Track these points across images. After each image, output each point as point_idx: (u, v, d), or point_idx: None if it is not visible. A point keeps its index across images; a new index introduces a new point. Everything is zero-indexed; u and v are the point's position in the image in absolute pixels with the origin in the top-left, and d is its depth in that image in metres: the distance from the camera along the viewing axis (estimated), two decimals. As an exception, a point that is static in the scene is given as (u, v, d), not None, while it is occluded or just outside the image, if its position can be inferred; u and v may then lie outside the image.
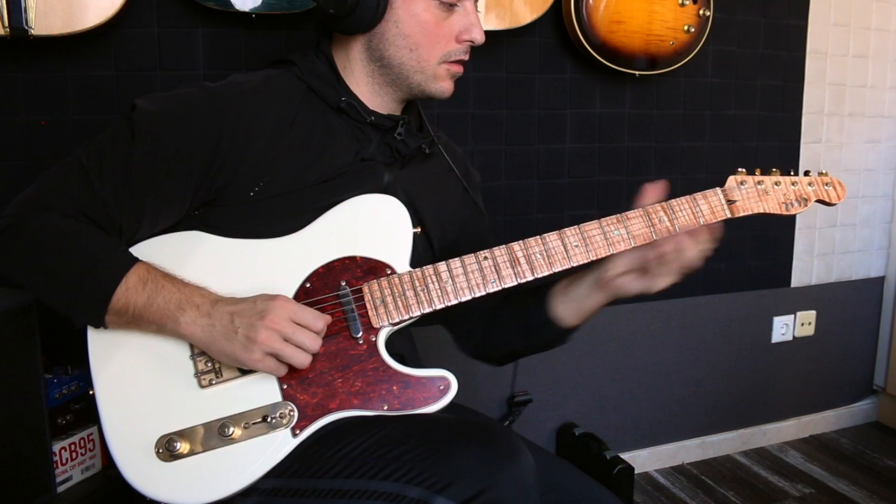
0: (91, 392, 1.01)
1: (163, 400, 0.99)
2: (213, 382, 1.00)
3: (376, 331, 1.03)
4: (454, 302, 1.05)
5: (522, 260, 1.07)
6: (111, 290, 0.96)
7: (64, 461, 1.35)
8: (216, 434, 0.97)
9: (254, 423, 0.98)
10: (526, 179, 2.07)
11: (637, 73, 1.99)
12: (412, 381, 1.01)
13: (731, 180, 1.14)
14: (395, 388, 1.01)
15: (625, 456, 2.16)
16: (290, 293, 1.03)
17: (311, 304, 1.02)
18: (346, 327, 1.03)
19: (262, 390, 1.00)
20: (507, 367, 1.96)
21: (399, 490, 0.89)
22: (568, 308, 1.18)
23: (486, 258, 1.06)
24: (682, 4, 1.95)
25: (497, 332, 1.26)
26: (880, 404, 2.76)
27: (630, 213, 1.10)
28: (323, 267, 1.05)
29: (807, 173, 1.19)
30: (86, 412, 1.41)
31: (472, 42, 1.12)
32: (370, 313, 1.03)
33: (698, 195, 1.13)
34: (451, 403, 1.02)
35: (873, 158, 2.57)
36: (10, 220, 1.00)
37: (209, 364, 1.00)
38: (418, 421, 0.98)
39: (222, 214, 1.06)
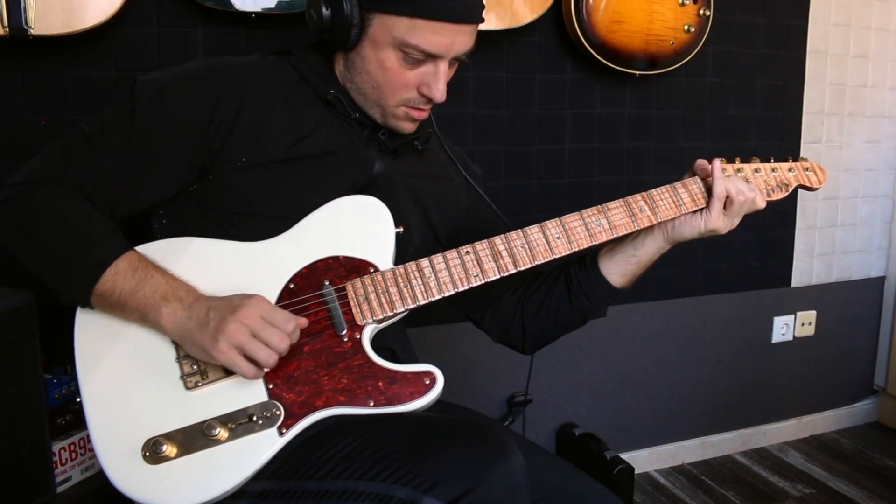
0: (78, 399, 1.01)
1: (149, 402, 0.99)
2: (199, 384, 1.00)
3: (361, 328, 1.03)
4: (437, 297, 1.06)
5: (504, 253, 1.08)
6: (100, 270, 0.98)
7: (64, 461, 1.35)
8: (202, 435, 0.97)
9: (240, 424, 0.98)
10: (526, 179, 2.07)
11: (637, 73, 1.99)
12: (398, 376, 1.01)
13: None
14: (380, 384, 1.01)
15: (625, 456, 2.16)
16: (274, 294, 1.04)
17: (295, 304, 1.03)
18: (330, 325, 1.03)
19: (248, 391, 1.00)
20: (512, 368, 1.97)
21: (387, 490, 0.89)
22: (618, 264, 1.19)
23: (468, 252, 1.07)
24: (682, 4, 1.94)
25: (531, 307, 1.26)
26: (880, 404, 2.76)
27: (611, 204, 1.12)
28: (306, 267, 1.05)
29: (786, 160, 1.20)
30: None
31: (429, 97, 1.10)
32: (354, 310, 1.03)
33: (678, 184, 1.16)
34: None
35: (873, 158, 2.57)
36: (11, 190, 1.03)
37: (195, 366, 1.00)
38: (407, 421, 0.98)
39: (215, 188, 1.08)
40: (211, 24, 1.66)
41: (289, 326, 0.97)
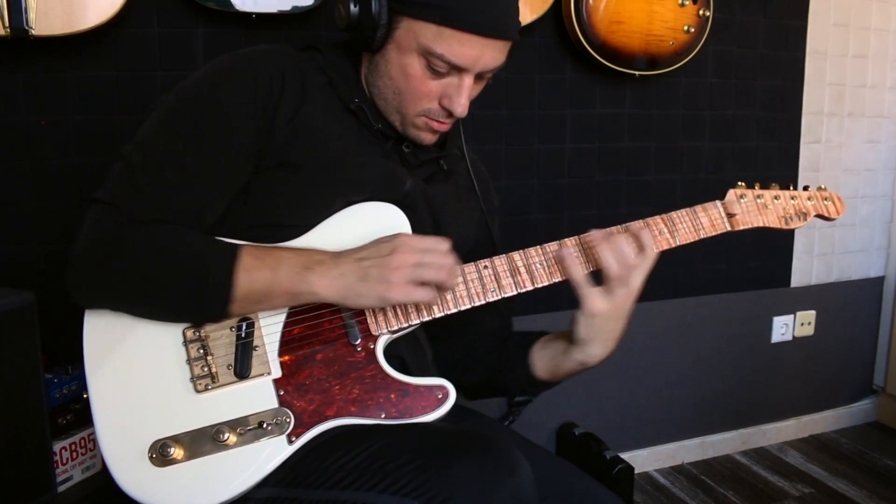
0: (85, 395, 1.00)
1: (157, 404, 0.98)
2: (209, 387, 0.98)
3: (375, 338, 1.02)
4: (454, 311, 1.04)
5: (522, 269, 1.06)
6: (230, 281, 0.95)
7: (64, 461, 1.35)
8: (210, 439, 0.96)
9: (249, 430, 0.97)
10: (526, 179, 2.07)
11: (637, 73, 1.99)
12: (410, 389, 1.00)
13: (731, 193, 1.15)
14: (392, 396, 1.00)
15: (625, 456, 2.16)
16: None
17: (308, 313, 1.02)
18: (344, 334, 1.02)
19: (259, 396, 0.99)
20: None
21: (397, 503, 0.88)
22: (543, 357, 1.17)
23: (486, 267, 1.06)
24: (682, 4, 1.95)
25: (473, 360, 1.25)
26: (880, 404, 2.76)
27: (632, 225, 1.09)
28: None
29: (806, 188, 1.20)
30: (86, 412, 1.40)
31: (450, 110, 1.07)
32: (368, 320, 1.02)
33: (698, 207, 1.13)
34: (455, 405, 1.02)
35: (873, 158, 2.57)
36: (94, 247, 0.97)
37: (205, 369, 0.99)
38: (417, 431, 0.97)
39: (259, 185, 1.04)
40: (211, 25, 1.66)
41: (442, 245, 0.98)
